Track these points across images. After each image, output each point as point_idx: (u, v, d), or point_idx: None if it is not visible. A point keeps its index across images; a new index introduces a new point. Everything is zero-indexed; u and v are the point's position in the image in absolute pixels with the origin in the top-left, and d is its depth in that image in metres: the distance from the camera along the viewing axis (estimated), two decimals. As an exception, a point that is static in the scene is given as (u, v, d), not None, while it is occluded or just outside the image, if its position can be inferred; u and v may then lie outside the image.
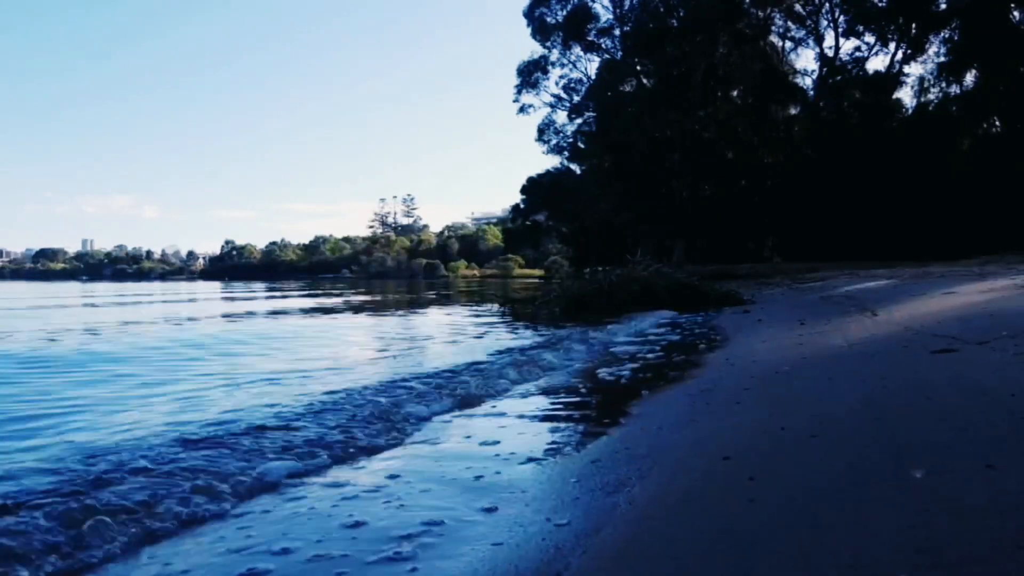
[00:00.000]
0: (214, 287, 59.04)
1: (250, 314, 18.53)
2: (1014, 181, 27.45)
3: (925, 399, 3.59)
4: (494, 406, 5.17)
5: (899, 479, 2.39)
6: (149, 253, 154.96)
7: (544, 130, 45.56)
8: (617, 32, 41.99)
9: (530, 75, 44.14)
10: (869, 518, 2.10)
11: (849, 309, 9.49)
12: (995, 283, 9.32)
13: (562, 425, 4.58)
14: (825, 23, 37.95)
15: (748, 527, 2.23)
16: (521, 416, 4.79)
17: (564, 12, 42.44)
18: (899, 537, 1.94)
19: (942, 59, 33.81)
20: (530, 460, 3.59)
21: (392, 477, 3.32)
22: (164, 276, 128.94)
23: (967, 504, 2.09)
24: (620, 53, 41.87)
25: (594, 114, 42.54)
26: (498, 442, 4.00)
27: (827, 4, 37.48)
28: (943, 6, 33.51)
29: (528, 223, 53.16)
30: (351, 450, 3.80)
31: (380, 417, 4.53)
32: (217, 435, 3.94)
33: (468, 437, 4.18)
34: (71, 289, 52.04)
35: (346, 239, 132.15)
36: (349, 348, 10.02)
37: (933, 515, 2.04)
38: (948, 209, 30.12)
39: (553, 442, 4.02)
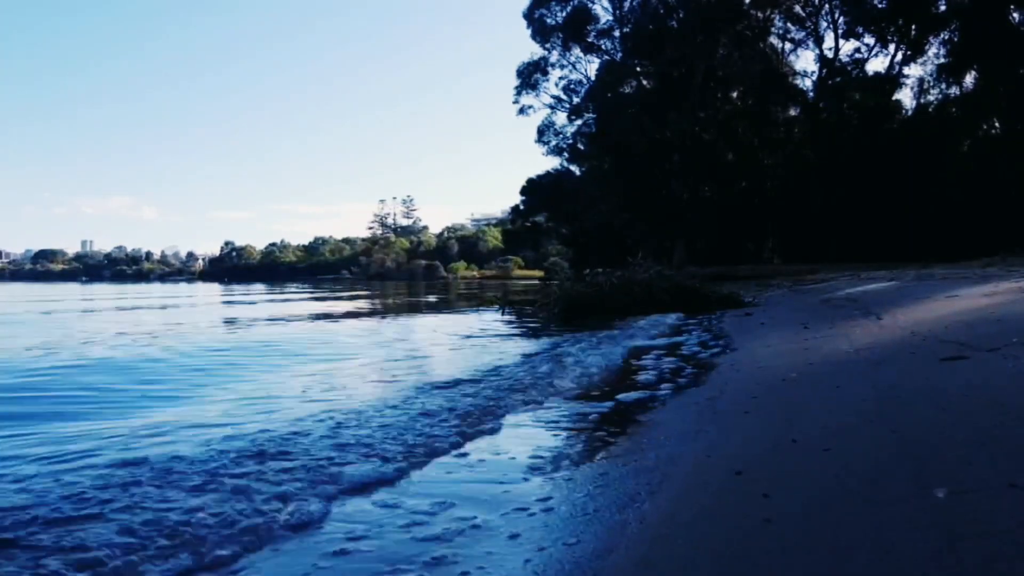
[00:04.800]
0: (218, 289, 58.35)
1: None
2: (1014, 182, 27.43)
3: (940, 410, 3.51)
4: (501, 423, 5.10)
5: (920, 499, 2.31)
6: (149, 254, 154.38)
7: (544, 131, 45.54)
8: (617, 33, 41.95)
9: (530, 76, 44.06)
10: (893, 542, 2.02)
11: (852, 312, 9.41)
12: (998, 286, 9.23)
13: (569, 434, 4.50)
14: (825, 24, 37.96)
15: (766, 549, 2.15)
16: (526, 427, 4.72)
17: (564, 13, 42.37)
18: (925, 564, 1.86)
19: (942, 60, 33.80)
20: (537, 472, 3.52)
21: (387, 507, 3.26)
22: (164, 277, 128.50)
23: (993, 527, 2.01)
24: (620, 54, 41.82)
25: (594, 115, 42.47)
26: (505, 452, 3.94)
27: (827, 5, 37.43)
28: (943, 7, 33.50)
29: (528, 224, 53.11)
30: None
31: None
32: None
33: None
34: (86, 291, 51.26)
35: (346, 240, 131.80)
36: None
37: (959, 539, 1.96)
38: (948, 210, 30.11)
39: (560, 453, 3.95)
